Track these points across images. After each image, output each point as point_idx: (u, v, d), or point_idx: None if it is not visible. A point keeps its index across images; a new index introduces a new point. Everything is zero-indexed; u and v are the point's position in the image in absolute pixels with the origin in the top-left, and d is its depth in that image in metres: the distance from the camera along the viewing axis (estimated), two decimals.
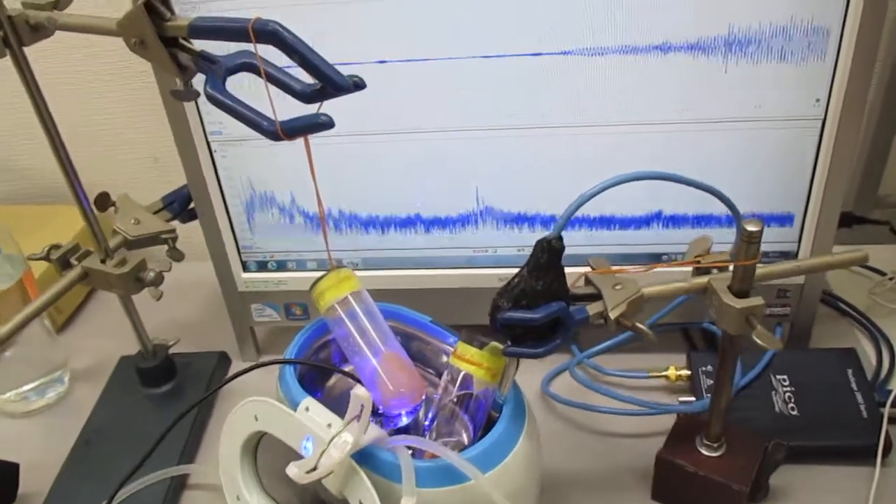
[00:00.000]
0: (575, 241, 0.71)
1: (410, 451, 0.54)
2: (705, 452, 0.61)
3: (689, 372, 0.73)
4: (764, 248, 0.72)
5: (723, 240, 0.70)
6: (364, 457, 0.52)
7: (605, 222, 0.71)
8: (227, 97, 0.51)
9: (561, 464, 0.67)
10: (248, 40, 0.48)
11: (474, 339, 0.57)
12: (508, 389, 0.55)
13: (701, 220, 0.70)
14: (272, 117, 0.50)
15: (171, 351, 0.79)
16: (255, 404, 0.58)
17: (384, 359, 0.60)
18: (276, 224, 0.74)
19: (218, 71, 0.52)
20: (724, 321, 0.52)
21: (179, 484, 0.69)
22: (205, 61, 0.52)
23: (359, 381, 0.62)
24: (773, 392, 0.69)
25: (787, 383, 0.70)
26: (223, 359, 0.82)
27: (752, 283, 0.51)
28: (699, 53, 0.61)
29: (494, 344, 0.56)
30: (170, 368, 0.79)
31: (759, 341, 0.49)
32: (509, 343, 0.51)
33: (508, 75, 0.64)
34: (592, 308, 0.52)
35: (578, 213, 0.71)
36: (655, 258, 0.72)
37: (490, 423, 0.57)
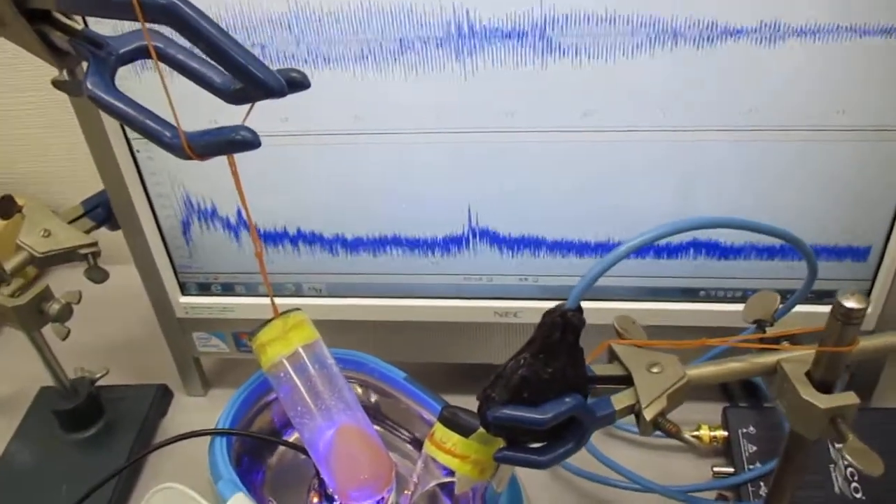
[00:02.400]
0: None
1: None
2: None
3: (725, 433, 0.59)
4: (826, 286, 0.58)
5: (774, 274, 0.57)
6: None
7: None
8: (115, 96, 0.37)
9: None
10: (132, 17, 0.33)
11: (458, 419, 0.43)
12: (504, 488, 0.42)
13: (752, 251, 0.55)
14: (177, 126, 0.36)
15: (98, 384, 0.65)
16: (170, 495, 0.45)
17: (341, 434, 0.47)
18: (220, 241, 0.59)
19: (106, 58, 0.38)
20: (798, 420, 0.38)
21: None
22: (87, 44, 0.38)
23: (308, 455, 0.48)
24: (833, 466, 0.55)
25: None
26: (163, 394, 0.69)
27: (841, 374, 0.37)
28: (762, 41, 0.46)
29: (481, 431, 0.42)
30: (95, 408, 0.65)
31: (852, 460, 0.35)
32: (503, 446, 0.38)
33: (509, 62, 0.48)
34: (619, 400, 0.37)
35: (593, 237, 0.57)
36: (691, 293, 0.58)
37: None
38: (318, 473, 0.48)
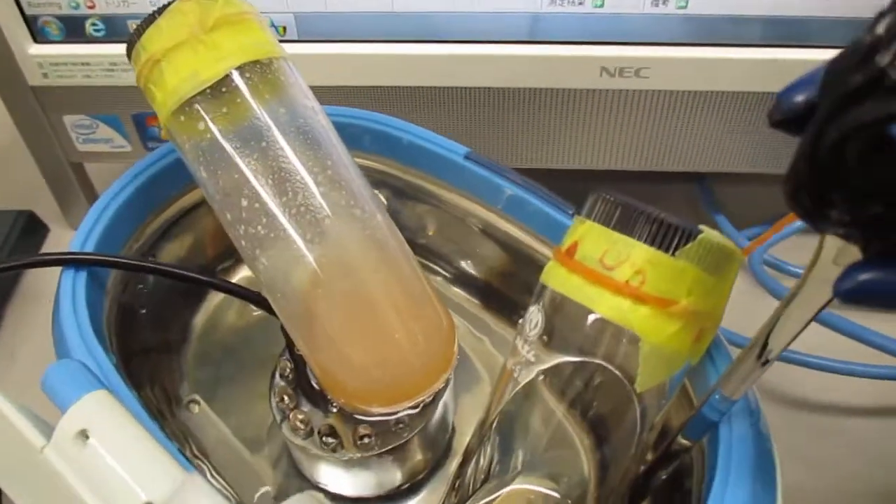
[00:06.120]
0: None
1: None
2: None
3: None
4: None
5: None
6: None
7: None
8: None
9: None
10: None
11: (646, 210, 0.17)
12: (746, 389, 0.17)
13: None
14: None
15: None
16: None
17: (340, 263, 0.21)
18: None
19: None
20: None
21: None
22: None
23: (271, 312, 0.23)
24: None
25: None
26: (29, 225, 0.42)
27: None
28: None
29: (711, 235, 0.17)
30: None
31: None
32: (861, 261, 0.12)
33: None
34: None
35: None
36: None
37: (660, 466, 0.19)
38: (289, 348, 0.23)
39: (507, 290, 0.29)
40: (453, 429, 0.25)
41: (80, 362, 0.19)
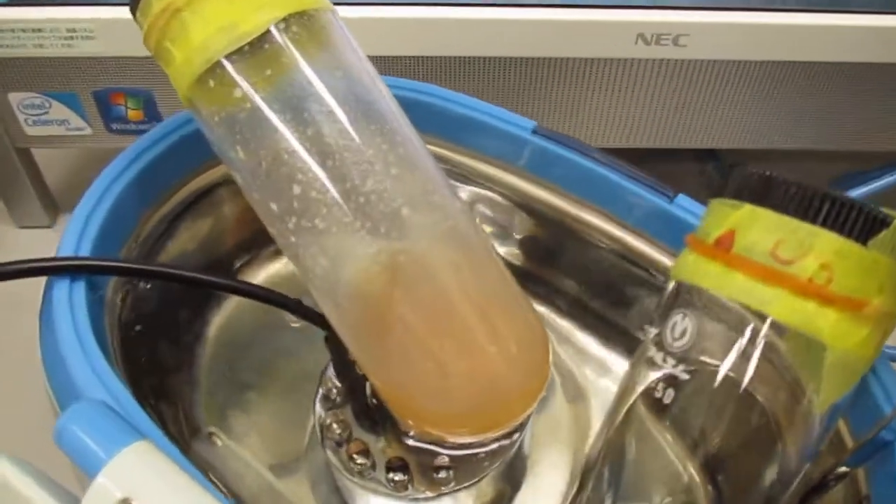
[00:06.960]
0: None
1: None
2: None
3: None
4: None
5: None
6: None
7: None
8: None
9: None
10: None
11: (809, 192, 0.14)
12: None
13: None
14: None
15: None
16: None
17: (413, 265, 0.17)
18: None
19: None
20: None
21: None
22: None
23: (323, 325, 0.19)
24: None
25: None
26: None
27: None
28: None
29: None
30: None
31: None
32: None
33: None
34: None
35: None
36: None
37: None
38: (338, 366, 0.19)
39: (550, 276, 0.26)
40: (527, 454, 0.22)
41: (101, 403, 0.14)
